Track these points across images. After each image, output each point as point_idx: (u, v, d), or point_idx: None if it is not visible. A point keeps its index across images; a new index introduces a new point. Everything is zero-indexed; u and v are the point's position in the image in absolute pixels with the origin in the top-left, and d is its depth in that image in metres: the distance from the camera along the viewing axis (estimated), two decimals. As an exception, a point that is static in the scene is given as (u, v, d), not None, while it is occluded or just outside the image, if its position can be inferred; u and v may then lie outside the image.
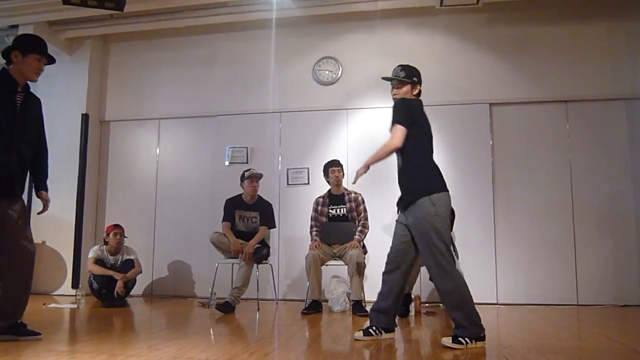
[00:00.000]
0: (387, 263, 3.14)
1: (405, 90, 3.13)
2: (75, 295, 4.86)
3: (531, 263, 5.24)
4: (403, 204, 3.10)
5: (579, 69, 5.41)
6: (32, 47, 3.01)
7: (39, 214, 3.21)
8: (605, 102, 5.37)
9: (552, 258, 5.22)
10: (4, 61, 3.06)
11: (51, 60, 3.12)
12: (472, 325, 2.87)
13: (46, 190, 3.21)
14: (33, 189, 3.24)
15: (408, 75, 3.14)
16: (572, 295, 5.14)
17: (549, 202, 5.32)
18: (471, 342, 2.84)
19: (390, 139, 2.98)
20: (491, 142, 5.48)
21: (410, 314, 4.39)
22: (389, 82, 3.22)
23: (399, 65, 3.19)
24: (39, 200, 3.24)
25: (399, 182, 3.12)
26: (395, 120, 2.98)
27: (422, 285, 5.06)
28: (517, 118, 5.52)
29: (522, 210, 5.35)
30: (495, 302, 5.19)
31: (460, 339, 2.84)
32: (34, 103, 3.14)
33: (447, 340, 2.89)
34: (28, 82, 3.08)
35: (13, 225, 2.97)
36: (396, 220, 3.19)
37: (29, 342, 2.98)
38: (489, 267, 5.27)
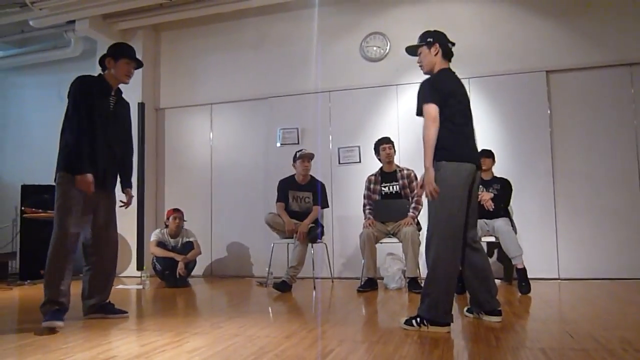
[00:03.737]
0: None
1: (425, 55, 3.01)
2: (141, 277, 5.11)
3: (595, 236, 5.04)
4: None
5: (644, 29, 5.08)
6: (122, 53, 3.34)
7: (121, 207, 3.46)
8: (674, 63, 5.02)
9: (617, 230, 4.99)
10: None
11: (139, 64, 3.44)
12: (431, 307, 2.74)
13: (130, 187, 3.53)
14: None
15: (422, 39, 3.03)
16: (639, 269, 4.90)
17: (613, 171, 5.07)
18: (425, 325, 2.74)
19: (425, 123, 2.81)
20: (549, 112, 5.25)
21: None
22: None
23: (418, 37, 3.08)
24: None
25: None
26: (422, 103, 2.85)
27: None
28: (577, 85, 5.26)
29: (583, 181, 5.13)
30: (557, 277, 5.03)
31: (413, 320, 2.78)
32: (125, 105, 3.50)
33: (401, 320, 2.86)
34: (120, 87, 3.40)
35: (104, 214, 3.31)
36: None
37: (100, 321, 3.19)
38: (550, 241, 5.10)
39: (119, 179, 3.48)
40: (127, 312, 3.39)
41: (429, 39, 3.00)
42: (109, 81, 3.32)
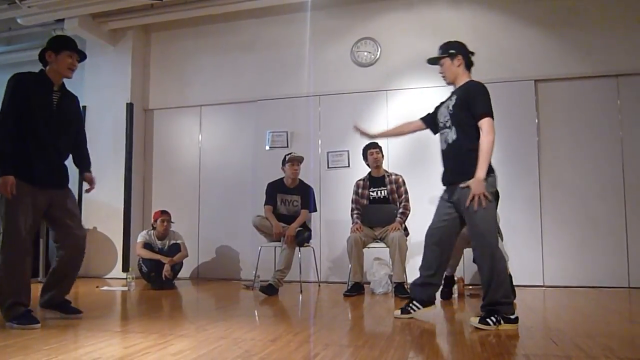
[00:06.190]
0: (428, 236, 3.15)
1: (447, 66, 3.09)
2: (126, 279, 5.05)
3: (580, 244, 5.09)
4: (450, 181, 3.06)
5: (630, 41, 5.14)
6: (63, 46, 3.18)
7: (87, 191, 3.45)
8: (659, 75, 5.09)
9: (602, 239, 5.05)
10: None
11: (82, 57, 3.29)
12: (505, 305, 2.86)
13: (89, 171, 3.44)
14: (80, 179, 3.49)
15: (444, 50, 3.10)
16: (623, 278, 4.96)
17: (599, 181, 5.13)
18: (500, 323, 2.81)
19: (487, 136, 2.87)
20: (537, 121, 5.31)
21: (453, 296, 4.35)
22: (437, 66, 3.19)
23: (439, 47, 3.16)
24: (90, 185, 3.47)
25: (454, 160, 3.04)
26: (484, 112, 2.93)
27: (465, 267, 4.99)
28: (565, 95, 5.32)
29: (570, 190, 5.19)
30: (542, 284, 5.07)
31: (488, 320, 2.82)
32: (71, 100, 3.34)
33: (474, 321, 2.88)
34: (64, 80, 3.25)
35: (64, 210, 3.21)
36: (440, 197, 3.17)
37: (84, 322, 3.15)
38: (535, 248, 5.15)
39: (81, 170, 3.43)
40: (81, 312, 3.31)
41: (451, 51, 3.08)
42: (51, 77, 3.17)
